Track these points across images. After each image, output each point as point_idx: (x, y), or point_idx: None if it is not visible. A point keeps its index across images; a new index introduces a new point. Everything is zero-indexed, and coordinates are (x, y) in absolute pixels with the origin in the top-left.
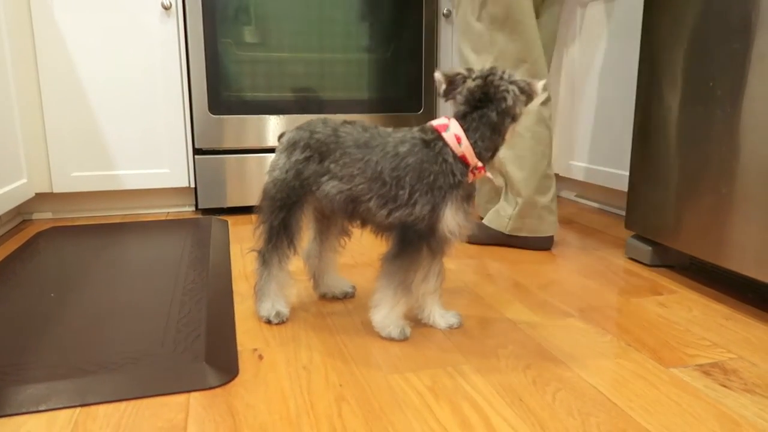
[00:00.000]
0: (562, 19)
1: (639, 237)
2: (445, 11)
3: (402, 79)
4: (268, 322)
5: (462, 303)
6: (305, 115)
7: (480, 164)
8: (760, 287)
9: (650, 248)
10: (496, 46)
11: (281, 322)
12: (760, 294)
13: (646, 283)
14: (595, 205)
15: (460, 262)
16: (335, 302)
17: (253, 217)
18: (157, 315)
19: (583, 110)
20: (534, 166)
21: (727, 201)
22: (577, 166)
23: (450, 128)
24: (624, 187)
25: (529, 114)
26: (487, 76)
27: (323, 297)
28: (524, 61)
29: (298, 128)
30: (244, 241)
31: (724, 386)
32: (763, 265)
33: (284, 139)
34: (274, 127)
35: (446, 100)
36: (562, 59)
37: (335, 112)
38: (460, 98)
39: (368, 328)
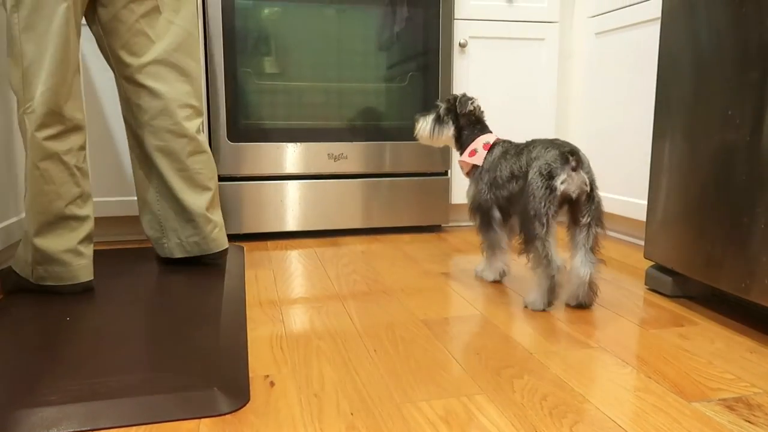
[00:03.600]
0: (578, 50)
1: (659, 267)
2: (461, 41)
3: (419, 107)
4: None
5: (475, 331)
6: (323, 143)
7: None
8: None
9: (670, 278)
10: (26, 57)
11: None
12: None
13: (666, 314)
14: (614, 234)
15: (473, 290)
16: (347, 328)
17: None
18: (170, 339)
19: (601, 139)
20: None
21: (749, 231)
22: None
23: None
24: (643, 216)
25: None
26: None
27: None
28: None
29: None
30: (259, 267)
31: (749, 422)
32: None
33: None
34: (291, 155)
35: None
36: (577, 89)
37: (352, 140)
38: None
39: (381, 355)
